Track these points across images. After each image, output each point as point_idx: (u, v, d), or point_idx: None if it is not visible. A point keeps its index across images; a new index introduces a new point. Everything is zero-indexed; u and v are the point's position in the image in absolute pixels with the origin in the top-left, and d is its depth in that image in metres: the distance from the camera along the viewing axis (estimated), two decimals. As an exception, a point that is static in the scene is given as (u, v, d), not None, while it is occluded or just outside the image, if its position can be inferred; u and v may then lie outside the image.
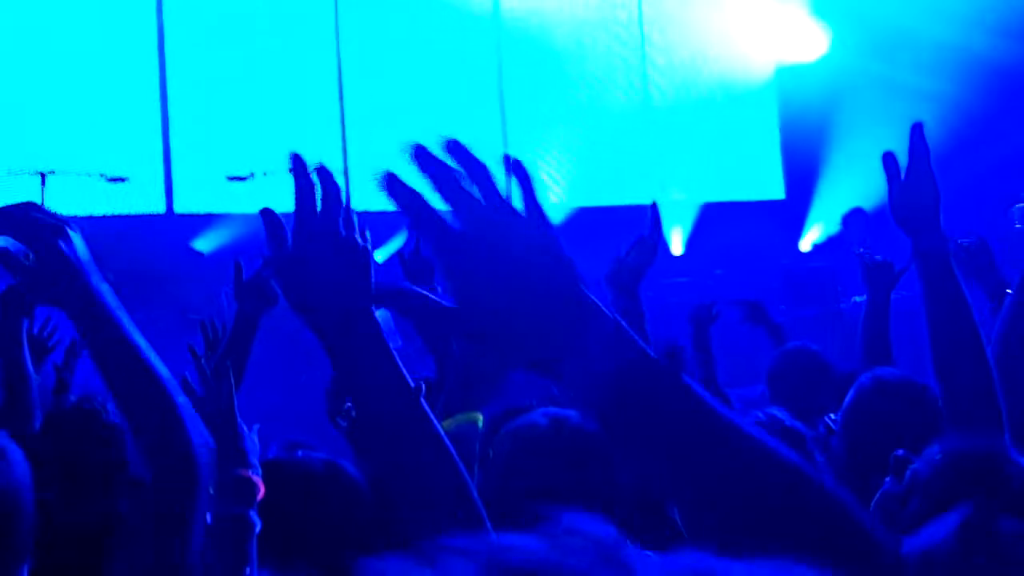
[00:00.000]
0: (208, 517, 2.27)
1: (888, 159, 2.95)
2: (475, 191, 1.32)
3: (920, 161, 2.92)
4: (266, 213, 1.91)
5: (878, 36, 12.69)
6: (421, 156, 1.31)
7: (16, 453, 2.24)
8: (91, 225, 10.46)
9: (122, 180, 10.66)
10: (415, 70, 12.22)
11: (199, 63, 11.41)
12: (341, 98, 11.91)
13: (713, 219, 12.77)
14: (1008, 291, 3.79)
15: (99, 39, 11.03)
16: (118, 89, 11.03)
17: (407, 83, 12.15)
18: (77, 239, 2.18)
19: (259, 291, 4.24)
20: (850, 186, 11.71)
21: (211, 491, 2.25)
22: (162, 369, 2.17)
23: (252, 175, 10.95)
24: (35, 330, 4.84)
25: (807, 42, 13.44)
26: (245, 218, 11.11)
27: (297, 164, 1.85)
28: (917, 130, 2.91)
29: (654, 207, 4.43)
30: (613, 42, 13.17)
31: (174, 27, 11.35)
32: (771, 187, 13.65)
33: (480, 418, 2.90)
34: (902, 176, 2.95)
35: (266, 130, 11.44)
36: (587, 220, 12.16)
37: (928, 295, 2.89)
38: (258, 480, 2.50)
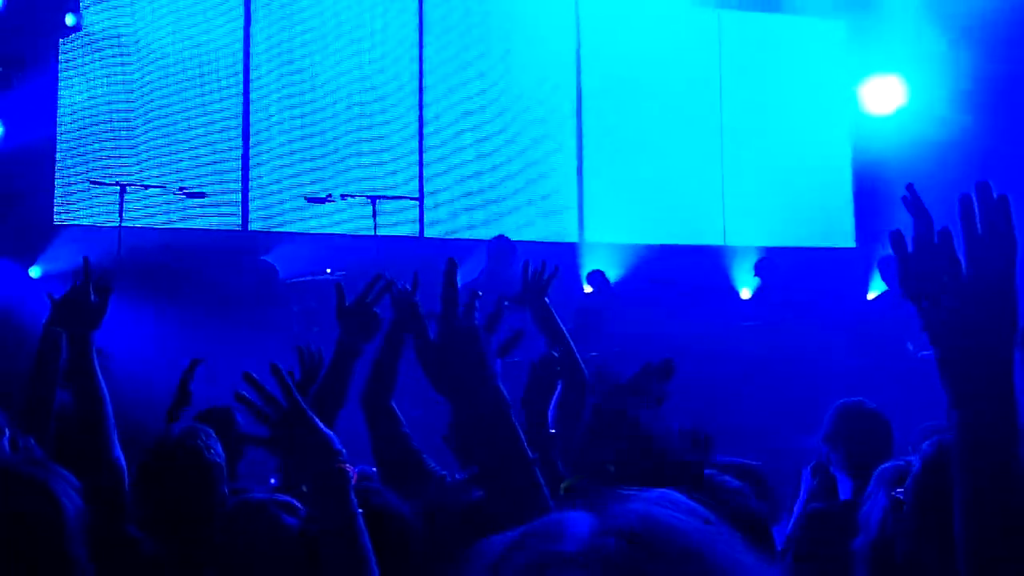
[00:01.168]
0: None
1: (895, 238, 2.14)
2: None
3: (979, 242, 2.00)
4: (396, 295, 2.70)
5: (955, 88, 12.67)
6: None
7: (66, 493, 2.39)
8: (167, 237, 10.72)
9: (201, 195, 10.87)
10: (493, 102, 12.35)
11: (282, 85, 11.61)
12: (421, 128, 12.05)
13: (784, 264, 12.75)
14: None
15: (184, 59, 11.28)
16: (203, 108, 11.27)
17: (486, 115, 12.28)
18: None
19: (362, 322, 4.12)
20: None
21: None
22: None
23: (330, 197, 11.11)
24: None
25: (885, 94, 13.43)
26: (318, 238, 11.28)
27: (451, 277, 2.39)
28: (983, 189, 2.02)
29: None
30: (691, 84, 13.22)
31: (259, 49, 11.57)
32: (842, 235, 13.60)
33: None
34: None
35: (344, 154, 11.63)
36: (658, 257, 12.21)
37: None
38: (350, 468, 2.58)
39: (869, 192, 13.24)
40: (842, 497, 4.65)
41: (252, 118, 11.46)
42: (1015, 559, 1.84)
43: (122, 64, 11.06)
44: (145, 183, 10.69)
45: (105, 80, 11.02)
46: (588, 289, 11.69)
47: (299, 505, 3.38)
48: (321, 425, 2.56)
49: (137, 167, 10.95)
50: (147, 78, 11.13)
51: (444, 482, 3.80)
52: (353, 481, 2.52)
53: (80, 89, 10.91)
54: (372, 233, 10.53)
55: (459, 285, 2.34)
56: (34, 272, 10.32)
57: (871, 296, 12.65)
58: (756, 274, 12.20)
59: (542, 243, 11.56)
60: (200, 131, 11.26)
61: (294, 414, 2.54)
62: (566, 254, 12.05)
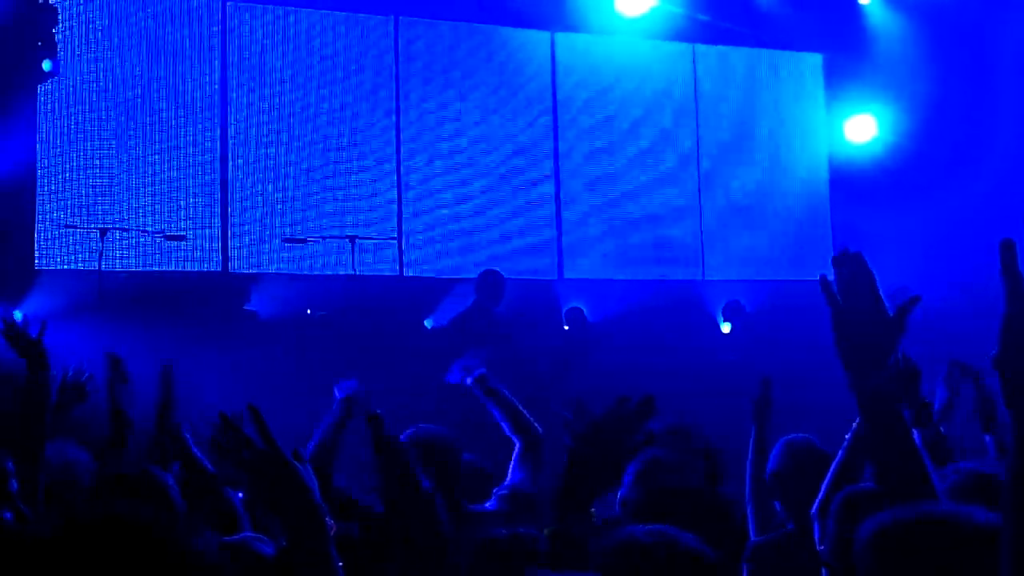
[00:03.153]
0: None
1: (823, 285, 2.66)
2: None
3: (858, 288, 2.60)
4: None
5: (923, 119, 12.85)
6: None
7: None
8: (147, 280, 10.72)
9: (181, 238, 10.89)
10: (471, 141, 12.41)
11: (259, 126, 11.65)
12: (398, 167, 12.09)
13: (763, 297, 12.81)
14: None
15: (162, 100, 11.31)
16: (180, 151, 11.30)
17: (463, 155, 12.34)
18: None
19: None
20: (897, 265, 11.75)
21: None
22: None
23: (308, 240, 11.15)
24: (70, 376, 4.90)
25: (860, 127, 13.54)
26: (298, 279, 11.29)
27: None
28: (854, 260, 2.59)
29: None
30: (666, 118, 13.31)
31: (236, 91, 11.61)
32: (822, 267, 13.66)
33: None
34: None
35: (322, 196, 11.68)
36: (630, 292, 12.25)
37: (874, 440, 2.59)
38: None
39: (847, 223, 13.32)
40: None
41: (231, 160, 11.48)
42: None
43: (100, 108, 11.07)
44: (125, 226, 10.70)
45: (83, 124, 11.03)
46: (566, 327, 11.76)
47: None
48: (297, 465, 2.54)
49: (117, 210, 10.95)
50: (125, 122, 11.15)
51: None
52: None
53: (59, 134, 10.92)
54: (352, 272, 10.56)
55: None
56: (17, 316, 10.31)
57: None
58: (725, 318, 12.32)
59: (521, 280, 11.59)
60: (179, 174, 11.27)
61: (269, 455, 2.52)
62: (544, 291, 12.10)
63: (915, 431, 4.25)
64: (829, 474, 3.88)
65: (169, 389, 4.70)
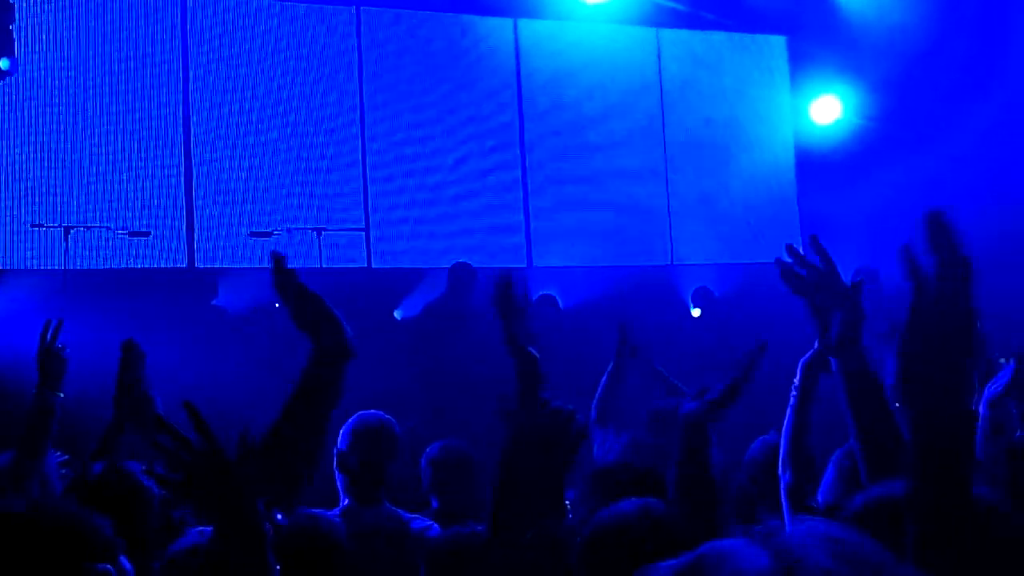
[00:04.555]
0: None
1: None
2: None
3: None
4: None
5: (888, 100, 12.88)
6: None
7: None
8: (113, 277, 10.62)
9: (145, 235, 10.80)
10: (435, 129, 12.36)
11: (222, 119, 11.56)
12: (364, 158, 12.03)
13: (732, 280, 12.83)
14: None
15: (123, 94, 11.21)
16: (143, 146, 11.21)
17: (428, 144, 12.29)
18: None
19: None
20: (866, 245, 11.78)
21: None
22: None
23: (275, 232, 11.08)
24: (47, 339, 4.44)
25: (825, 108, 13.55)
26: (265, 272, 11.20)
27: None
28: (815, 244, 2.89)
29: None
30: (632, 103, 13.29)
31: (198, 84, 11.52)
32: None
33: None
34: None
35: (288, 188, 11.61)
36: (602, 279, 12.23)
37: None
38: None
39: (814, 204, 13.35)
40: None
41: (194, 155, 11.39)
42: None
43: (59, 105, 10.97)
44: (88, 224, 10.61)
45: (43, 121, 10.92)
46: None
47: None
48: (234, 469, 2.48)
49: (80, 208, 10.85)
50: (86, 118, 11.04)
51: None
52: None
53: (18, 132, 10.81)
54: (319, 265, 10.49)
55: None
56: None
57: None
58: (694, 304, 12.34)
59: (490, 268, 11.54)
60: (142, 170, 11.18)
61: (207, 456, 2.45)
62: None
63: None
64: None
65: (129, 365, 4.38)
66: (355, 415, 5.16)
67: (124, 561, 2.45)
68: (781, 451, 3.70)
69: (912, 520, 2.00)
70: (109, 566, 2.43)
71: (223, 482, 2.44)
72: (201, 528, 3.72)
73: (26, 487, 3.89)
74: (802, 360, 3.51)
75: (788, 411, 3.60)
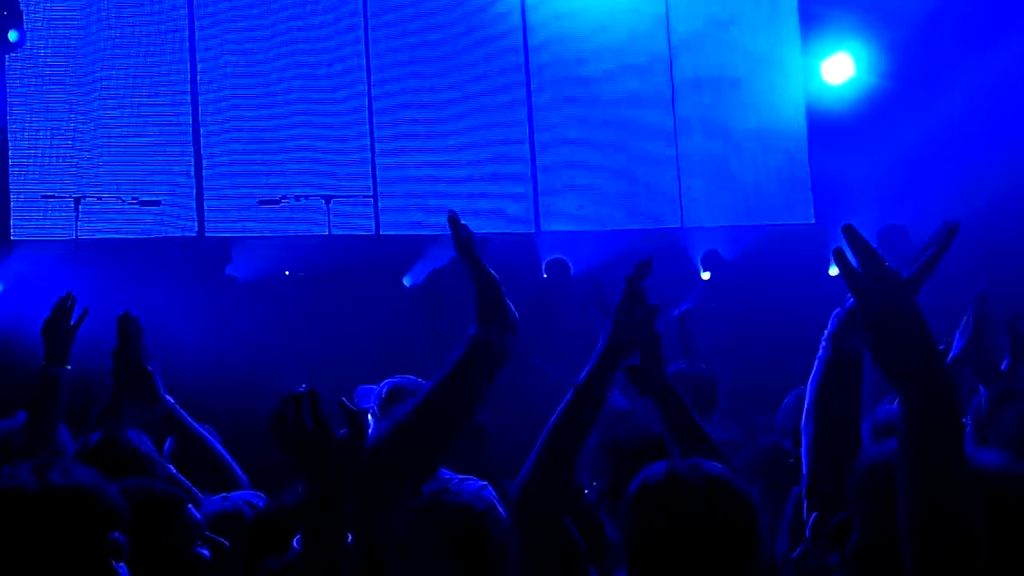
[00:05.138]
0: None
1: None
2: None
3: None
4: None
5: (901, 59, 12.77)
6: None
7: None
8: (124, 247, 10.64)
9: (155, 204, 10.81)
10: (441, 95, 12.31)
11: (230, 88, 11.55)
12: (371, 125, 12.00)
13: (742, 243, 12.77)
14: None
15: (131, 64, 11.20)
16: (152, 115, 11.21)
17: (434, 109, 12.24)
18: None
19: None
20: (879, 208, 11.72)
21: None
22: None
23: (284, 200, 11.08)
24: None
25: (837, 67, 13.42)
26: (275, 240, 11.23)
27: None
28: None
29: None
30: (640, 64, 13.19)
31: (206, 53, 11.50)
32: (801, 211, 13.59)
33: None
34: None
35: (296, 156, 11.60)
36: (615, 242, 12.20)
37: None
38: None
39: (826, 166, 13.26)
40: None
41: (203, 124, 11.38)
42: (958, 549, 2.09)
43: (69, 76, 10.96)
44: (99, 195, 10.62)
45: (53, 93, 10.92)
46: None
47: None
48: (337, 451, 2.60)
49: (90, 179, 10.87)
50: (95, 89, 11.03)
51: None
52: None
53: (28, 103, 10.81)
54: (327, 233, 10.50)
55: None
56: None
57: (833, 273, 12.69)
58: (704, 268, 12.30)
59: (499, 234, 11.52)
60: (151, 139, 11.17)
61: (318, 439, 2.59)
62: (523, 245, 12.03)
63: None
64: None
65: (127, 339, 4.22)
66: (386, 381, 5.19)
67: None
68: (806, 403, 3.60)
69: (904, 484, 2.13)
70: (119, 534, 2.47)
71: (327, 463, 2.58)
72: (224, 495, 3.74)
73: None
74: (836, 312, 3.40)
75: (816, 363, 3.53)
